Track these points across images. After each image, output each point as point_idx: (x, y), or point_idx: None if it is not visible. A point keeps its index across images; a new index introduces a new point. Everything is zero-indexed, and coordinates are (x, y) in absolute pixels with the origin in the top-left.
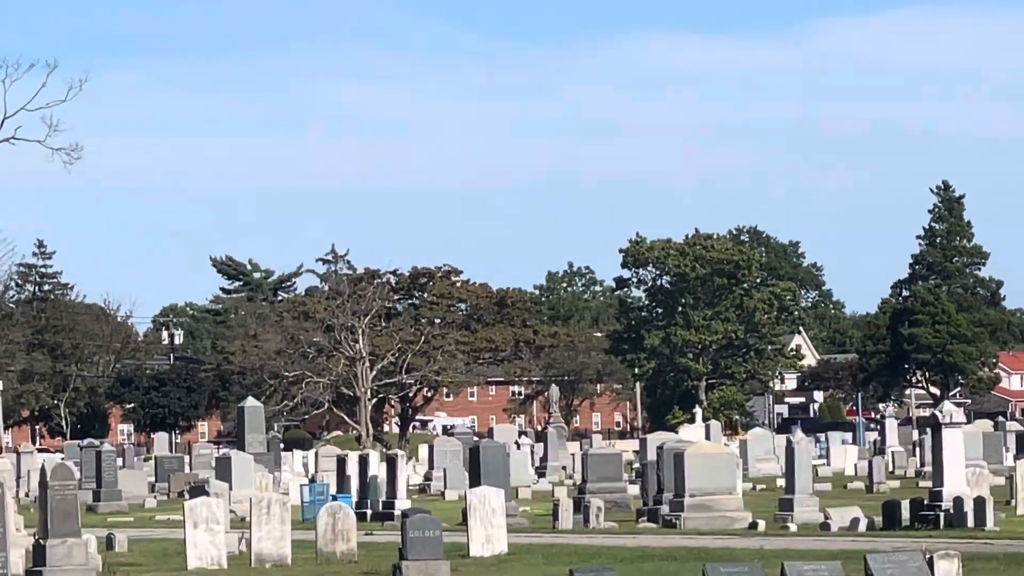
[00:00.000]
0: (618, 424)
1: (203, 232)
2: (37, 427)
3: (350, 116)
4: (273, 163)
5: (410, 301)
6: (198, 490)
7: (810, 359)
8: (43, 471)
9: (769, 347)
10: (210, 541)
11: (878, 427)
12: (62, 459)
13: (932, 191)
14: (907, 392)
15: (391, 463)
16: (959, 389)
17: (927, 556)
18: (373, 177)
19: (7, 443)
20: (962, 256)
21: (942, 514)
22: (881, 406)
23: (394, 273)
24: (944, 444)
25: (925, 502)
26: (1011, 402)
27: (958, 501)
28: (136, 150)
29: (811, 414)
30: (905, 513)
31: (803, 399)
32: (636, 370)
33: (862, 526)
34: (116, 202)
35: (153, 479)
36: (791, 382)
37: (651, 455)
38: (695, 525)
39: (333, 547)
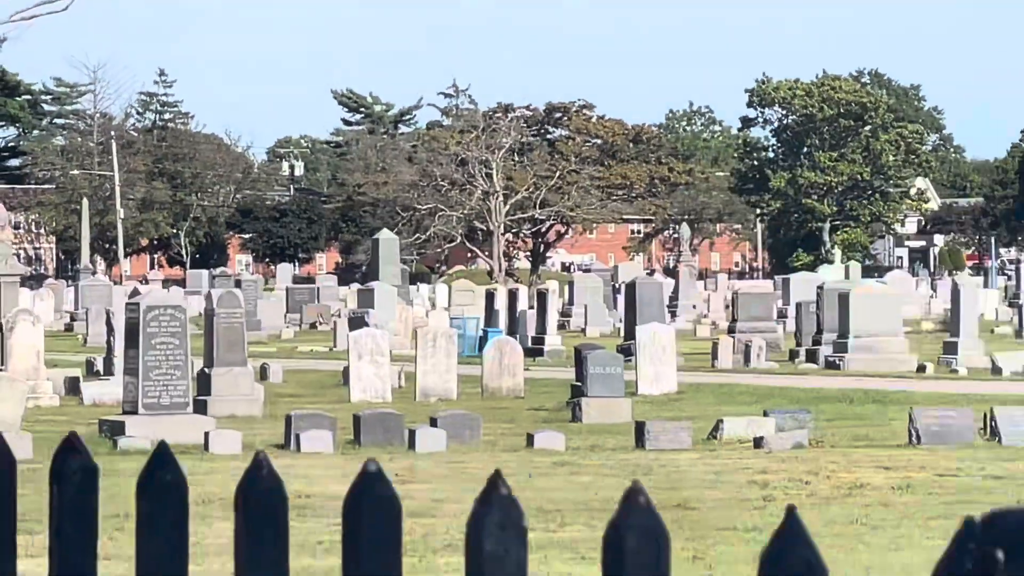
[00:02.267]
0: (737, 264)
1: (321, 64)
2: (156, 256)
3: None
4: None
5: (545, 136)
6: (358, 321)
7: (932, 203)
8: (209, 298)
9: (894, 190)
10: (375, 373)
11: (1006, 273)
12: (186, 291)
13: None
14: None
15: (541, 298)
16: None
17: None
18: (497, 11)
19: (126, 271)
20: None
21: None
22: (1004, 251)
23: (528, 108)
24: None
25: None
26: None
27: None
28: None
29: (931, 258)
30: None
31: (923, 243)
32: (759, 210)
33: None
34: (236, 31)
35: (284, 310)
36: (911, 226)
37: (798, 295)
38: (859, 367)
39: (499, 382)
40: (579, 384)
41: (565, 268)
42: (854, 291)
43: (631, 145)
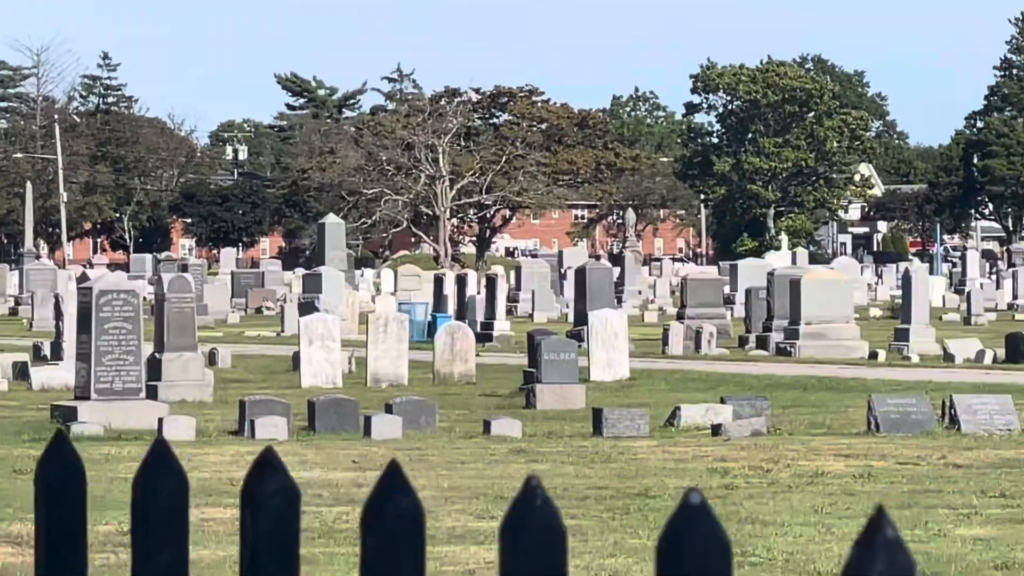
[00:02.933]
0: (681, 250)
1: (265, 48)
2: (99, 240)
3: None
4: None
5: (491, 121)
6: (308, 306)
7: (876, 190)
8: (159, 283)
9: (838, 176)
10: (325, 359)
11: (951, 260)
12: (129, 275)
13: (1011, 22)
14: (972, 225)
15: (490, 283)
16: None
17: None
18: None
19: (69, 255)
20: None
21: None
22: (948, 238)
23: (476, 91)
24: None
25: None
26: None
27: None
28: None
29: (874, 245)
30: None
31: (867, 229)
32: (704, 196)
33: (987, 359)
34: (180, 14)
35: (230, 295)
36: (855, 212)
37: (746, 281)
38: (811, 354)
39: (451, 368)
40: (532, 370)
41: (509, 253)
42: (805, 277)
43: (577, 130)
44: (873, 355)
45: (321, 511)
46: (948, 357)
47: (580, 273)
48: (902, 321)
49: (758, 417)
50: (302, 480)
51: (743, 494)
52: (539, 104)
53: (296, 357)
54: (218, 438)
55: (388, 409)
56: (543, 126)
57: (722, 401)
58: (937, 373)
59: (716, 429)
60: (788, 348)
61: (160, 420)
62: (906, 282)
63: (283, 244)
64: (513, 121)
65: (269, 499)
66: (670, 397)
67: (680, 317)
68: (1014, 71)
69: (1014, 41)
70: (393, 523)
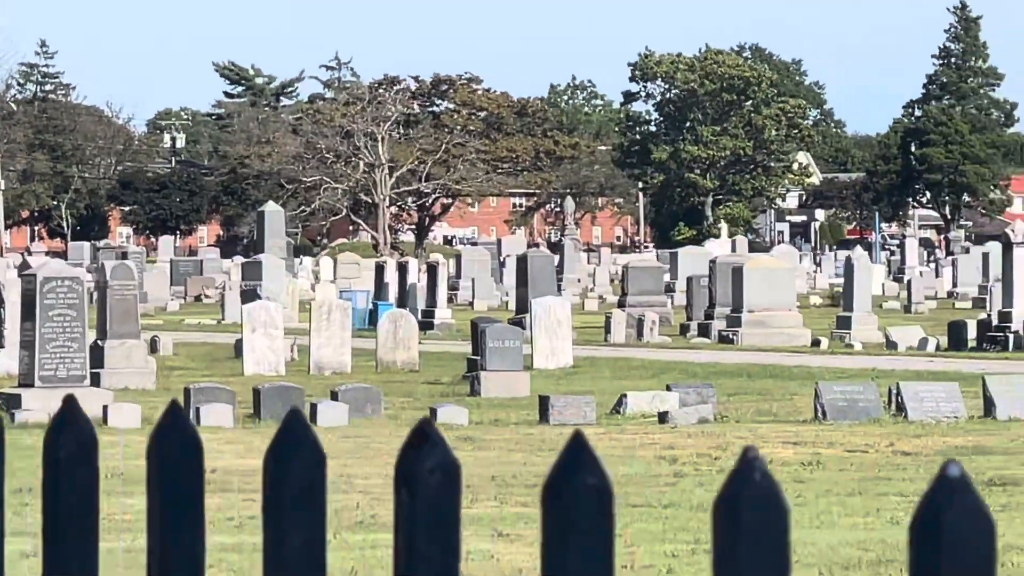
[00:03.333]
0: (619, 238)
1: (203, 36)
2: (36, 228)
3: None
4: None
5: (431, 109)
6: (250, 294)
7: (814, 178)
8: (102, 269)
9: (777, 164)
10: (268, 347)
11: (888, 248)
12: (67, 262)
13: (949, 11)
14: (910, 213)
15: (431, 271)
16: (962, 213)
17: None
18: None
19: (6, 243)
20: (977, 77)
21: (1012, 336)
22: (886, 226)
23: (416, 79)
24: (1015, 264)
25: (994, 323)
26: (1011, 225)
27: None
28: None
29: (812, 233)
30: (972, 334)
31: (804, 218)
32: (642, 184)
33: (931, 346)
34: (118, 2)
35: (169, 283)
36: (792, 201)
37: (686, 269)
38: (753, 341)
39: (394, 355)
40: (475, 358)
41: (447, 241)
42: (748, 265)
43: (516, 118)
44: (816, 343)
45: None
46: (891, 345)
47: (522, 261)
48: (844, 309)
49: (704, 404)
50: (254, 468)
51: (693, 482)
52: (479, 92)
53: (239, 344)
54: None
55: (334, 396)
56: (482, 114)
57: (668, 389)
58: (881, 361)
59: (663, 417)
60: (730, 336)
61: (105, 408)
62: (848, 270)
63: (221, 232)
64: (453, 109)
65: (428, 476)
66: (614, 385)
67: (621, 305)
68: (952, 59)
69: (953, 29)
70: (580, 499)
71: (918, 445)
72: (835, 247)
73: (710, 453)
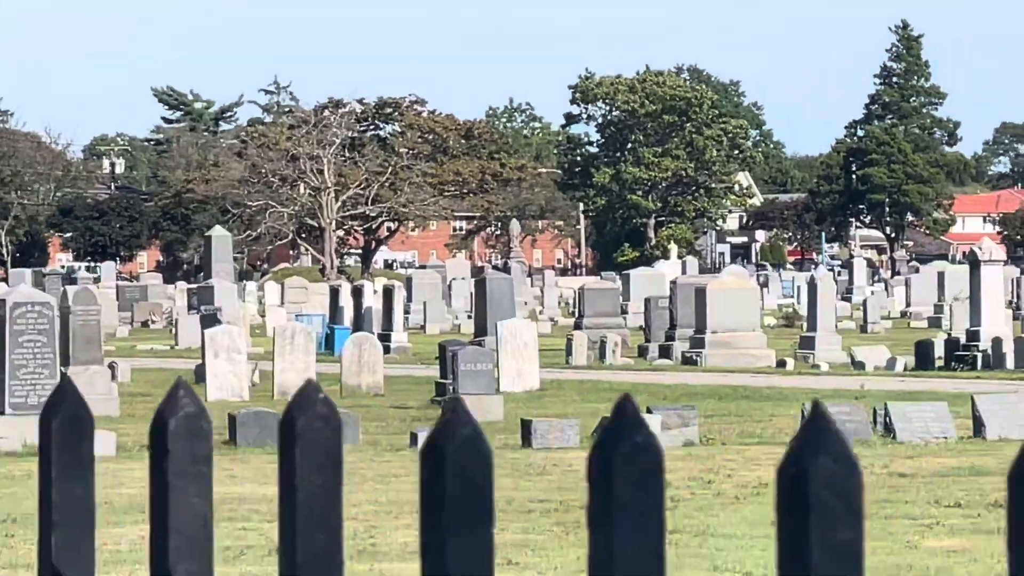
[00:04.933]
0: (560, 261)
1: (139, 62)
2: None
3: None
4: None
5: (376, 132)
6: (211, 319)
7: (755, 199)
8: (65, 295)
9: (718, 185)
10: (231, 371)
11: (831, 268)
12: (9, 287)
13: (891, 30)
14: (852, 233)
15: (388, 295)
16: (905, 233)
17: None
18: (316, 7)
19: None
20: (919, 96)
21: (979, 355)
22: (828, 247)
23: (360, 102)
24: (983, 282)
25: (961, 342)
26: (952, 244)
27: (997, 342)
28: None
29: (753, 253)
30: (939, 353)
31: (745, 239)
32: (584, 207)
33: (899, 366)
34: (54, 28)
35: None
36: (733, 222)
37: (639, 291)
38: (717, 362)
39: (358, 379)
40: (444, 381)
41: (387, 265)
42: (711, 286)
43: (463, 141)
44: (781, 363)
45: (263, 526)
46: (857, 365)
47: (480, 284)
48: (808, 329)
49: (688, 427)
50: (234, 496)
51: (691, 506)
52: (424, 115)
53: (199, 370)
54: (139, 452)
55: None
56: (429, 136)
57: (648, 411)
58: (850, 381)
59: None
60: (694, 357)
61: None
62: (812, 290)
63: (160, 258)
64: (399, 132)
65: (457, 452)
66: (585, 407)
67: (578, 327)
68: (895, 78)
69: (894, 49)
70: (633, 462)
71: (913, 467)
72: (779, 267)
73: (702, 476)
